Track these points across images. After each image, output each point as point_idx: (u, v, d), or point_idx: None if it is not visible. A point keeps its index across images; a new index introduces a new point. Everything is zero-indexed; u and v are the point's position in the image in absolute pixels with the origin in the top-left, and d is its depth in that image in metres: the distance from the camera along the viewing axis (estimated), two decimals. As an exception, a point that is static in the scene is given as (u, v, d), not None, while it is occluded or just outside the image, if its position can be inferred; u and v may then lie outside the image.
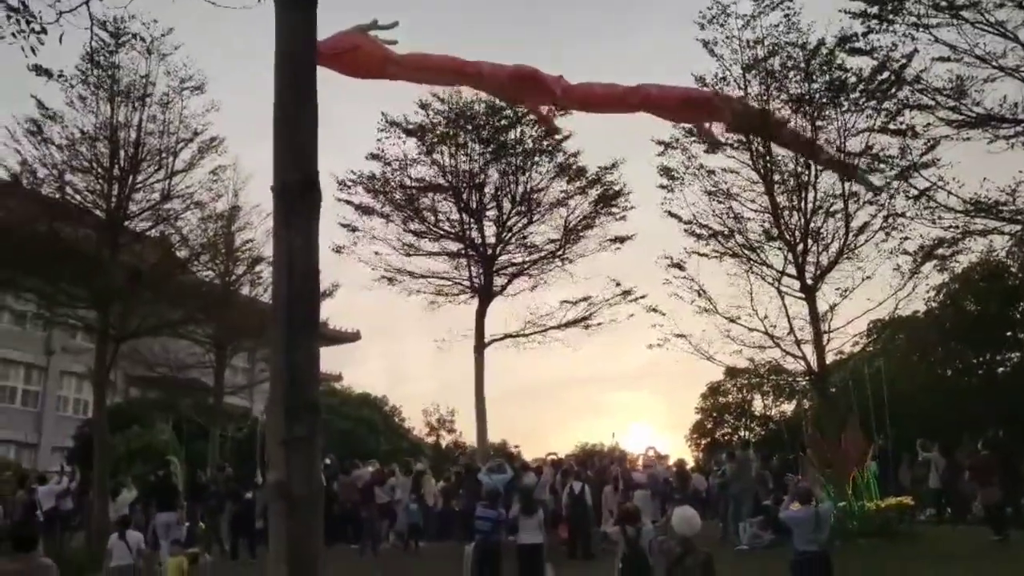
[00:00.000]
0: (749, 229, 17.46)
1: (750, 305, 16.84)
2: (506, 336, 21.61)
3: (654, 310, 18.00)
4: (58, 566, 13.33)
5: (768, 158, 17.21)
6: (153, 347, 24.69)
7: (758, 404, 41.38)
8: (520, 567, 11.25)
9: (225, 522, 17.65)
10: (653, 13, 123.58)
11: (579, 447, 43.21)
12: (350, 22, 16.35)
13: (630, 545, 8.58)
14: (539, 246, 21.91)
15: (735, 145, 17.55)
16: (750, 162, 17.28)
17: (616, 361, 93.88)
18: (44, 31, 6.25)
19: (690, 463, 24.60)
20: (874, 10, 15.14)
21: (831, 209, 16.99)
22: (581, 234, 21.72)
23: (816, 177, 16.98)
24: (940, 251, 16.55)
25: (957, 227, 15.92)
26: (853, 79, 16.78)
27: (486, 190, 21.33)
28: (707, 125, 17.68)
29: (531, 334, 21.83)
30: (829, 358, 17.08)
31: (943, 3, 14.34)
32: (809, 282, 16.65)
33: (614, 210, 21.57)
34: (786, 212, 17.13)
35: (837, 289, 16.78)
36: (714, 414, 42.08)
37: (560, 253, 21.87)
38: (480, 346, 20.81)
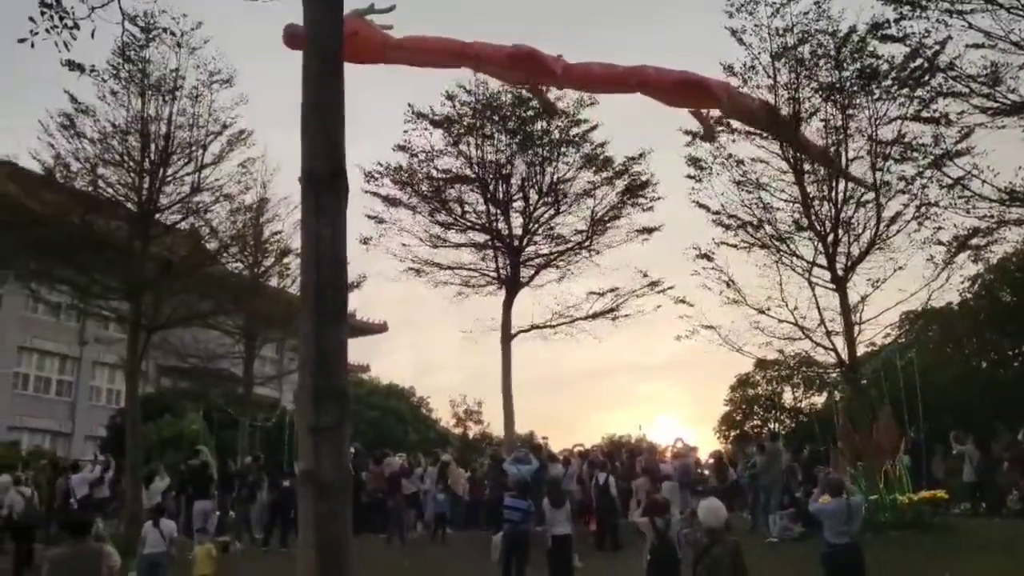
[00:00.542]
0: (778, 219, 17.28)
1: (780, 296, 16.69)
2: (533, 327, 21.56)
3: (682, 301, 17.90)
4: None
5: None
6: (184, 338, 25.00)
7: (788, 396, 41.09)
8: (549, 558, 11.26)
9: (256, 511, 17.83)
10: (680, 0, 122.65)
11: (606, 438, 43.16)
12: (347, 6, 16.27)
13: (659, 536, 8.56)
14: (566, 237, 21.82)
15: (764, 135, 17.38)
16: (780, 151, 17.11)
17: (643, 352, 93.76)
18: (77, 26, 6.32)
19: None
20: (907, -4, 14.91)
21: (862, 199, 16.77)
22: (608, 225, 21.60)
23: (847, 166, 16.76)
24: (975, 241, 16.30)
25: (992, 216, 15.67)
26: (885, 67, 16.54)
27: (513, 181, 21.27)
28: (704, 113, 17.50)
29: (558, 325, 21.76)
30: (860, 350, 16.89)
31: (977, -12, 14.09)
32: (840, 273, 16.45)
33: (641, 201, 21.42)
34: (816, 202, 16.94)
35: (869, 280, 16.58)
36: (743, 406, 41.81)
37: (587, 244, 21.76)
38: (507, 337, 20.79)
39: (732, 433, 40.70)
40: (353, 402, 5.03)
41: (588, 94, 20.12)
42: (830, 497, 9.22)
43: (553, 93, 19.48)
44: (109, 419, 31.86)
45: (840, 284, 16.41)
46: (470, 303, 24.63)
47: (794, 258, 16.98)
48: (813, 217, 16.76)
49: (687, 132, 17.85)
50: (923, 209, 16.37)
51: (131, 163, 18.72)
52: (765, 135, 17.13)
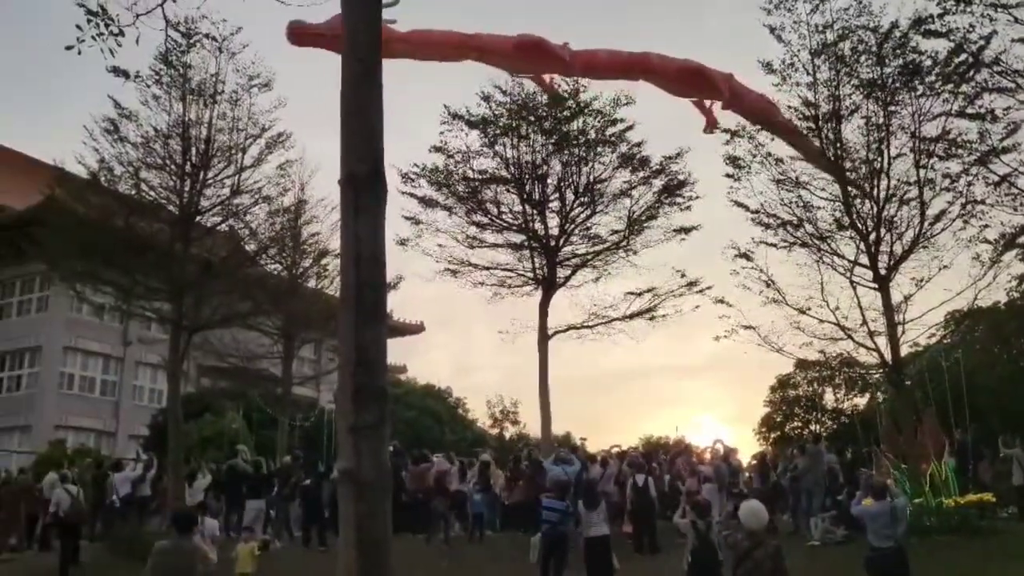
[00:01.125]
0: (819, 218, 17.08)
1: (820, 296, 16.49)
2: (570, 328, 21.54)
3: (721, 301, 17.74)
4: (135, 550, 13.77)
5: (839, 145, 16.80)
6: (224, 338, 25.30)
7: (829, 397, 40.45)
8: (587, 559, 11.22)
9: (296, 509, 17.98)
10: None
11: (643, 439, 42.90)
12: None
13: (700, 538, 8.49)
14: (602, 237, 21.75)
15: (804, 133, 17.17)
16: (820, 149, 16.88)
17: (681, 353, 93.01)
18: (122, 33, 6.40)
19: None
20: (950, -10, 14.65)
21: (905, 197, 16.51)
22: (645, 225, 21.49)
23: (889, 164, 16.52)
24: (1022, 239, 15.95)
25: (1040, 214, 15.33)
26: (928, 62, 16.28)
27: (549, 181, 21.25)
28: (707, 104, 17.32)
29: (595, 326, 21.71)
30: (904, 350, 16.63)
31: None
32: (882, 272, 16.20)
33: (679, 200, 21.29)
34: (858, 200, 16.70)
35: (912, 279, 16.31)
36: (784, 407, 41.25)
37: (624, 244, 21.67)
38: (544, 338, 20.76)
39: (772, 435, 40.24)
40: (391, 402, 5.10)
41: (626, 94, 20.11)
42: (873, 500, 9.08)
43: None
44: (151, 418, 32.35)
45: (883, 283, 16.16)
46: (506, 303, 24.55)
47: (835, 257, 16.77)
48: (854, 215, 16.53)
49: (726, 130, 17.70)
50: (969, 207, 16.10)
51: (173, 166, 19.03)
52: (815, 130, 16.86)
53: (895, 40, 16.40)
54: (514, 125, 20.80)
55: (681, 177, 21.07)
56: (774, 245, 17.25)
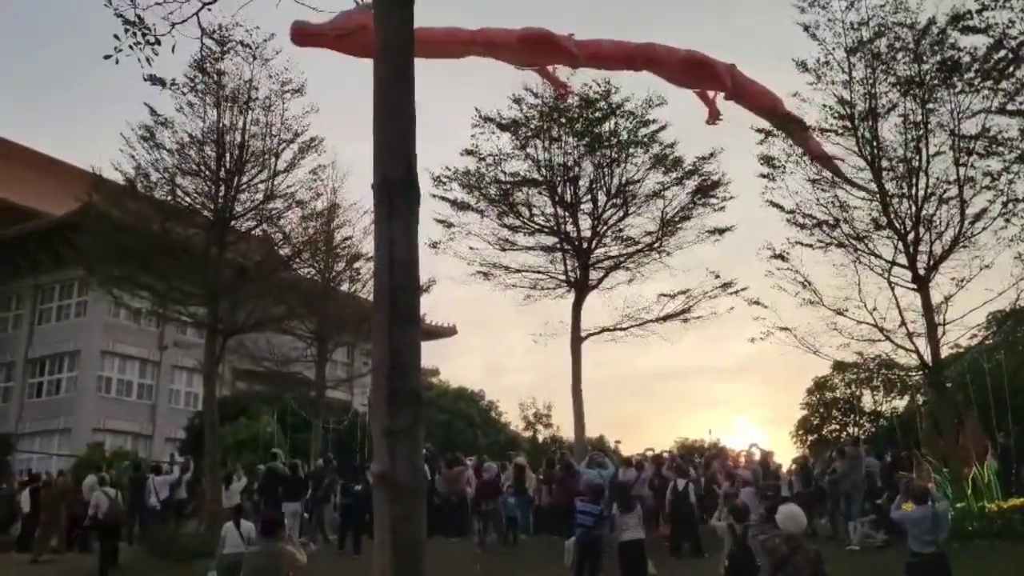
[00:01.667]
0: (856, 218, 16.86)
1: (858, 297, 16.27)
2: (603, 330, 21.41)
3: (756, 303, 17.56)
4: (171, 552, 13.92)
5: (875, 144, 16.56)
6: (258, 342, 25.53)
7: (868, 400, 39.94)
8: (622, 563, 11.14)
9: (330, 512, 18.08)
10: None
11: (678, 442, 42.66)
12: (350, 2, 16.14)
13: (737, 543, 8.38)
14: (635, 239, 21.59)
15: (839, 131, 16.97)
16: (856, 148, 16.68)
17: (716, 355, 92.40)
18: (158, 42, 6.47)
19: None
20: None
21: (944, 195, 16.24)
22: (678, 226, 21.31)
23: (928, 162, 16.25)
24: (1066, 237, 15.61)
25: (1085, 212, 14.99)
26: (967, 59, 16.01)
27: (581, 183, 21.16)
28: (711, 95, 17.13)
29: (628, 328, 21.56)
30: (944, 351, 16.34)
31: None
32: (921, 272, 15.95)
33: (712, 201, 21.10)
34: (895, 199, 16.46)
35: (952, 279, 16.03)
36: (821, 410, 40.79)
37: (657, 246, 21.50)
38: (576, 340, 20.67)
39: (810, 437, 39.78)
40: (424, 405, 5.14)
41: (659, 95, 20.00)
42: (914, 504, 8.91)
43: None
44: (187, 421, 32.76)
45: (922, 284, 15.90)
46: (539, 306, 24.55)
47: (872, 257, 16.55)
48: (892, 215, 16.29)
49: (759, 130, 17.54)
50: (1010, 205, 15.82)
51: (207, 172, 19.22)
52: (851, 128, 16.64)
53: (932, 36, 16.15)
54: (545, 127, 20.75)
55: (715, 177, 20.91)
56: (810, 246, 17.07)
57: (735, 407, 77.26)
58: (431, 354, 49.77)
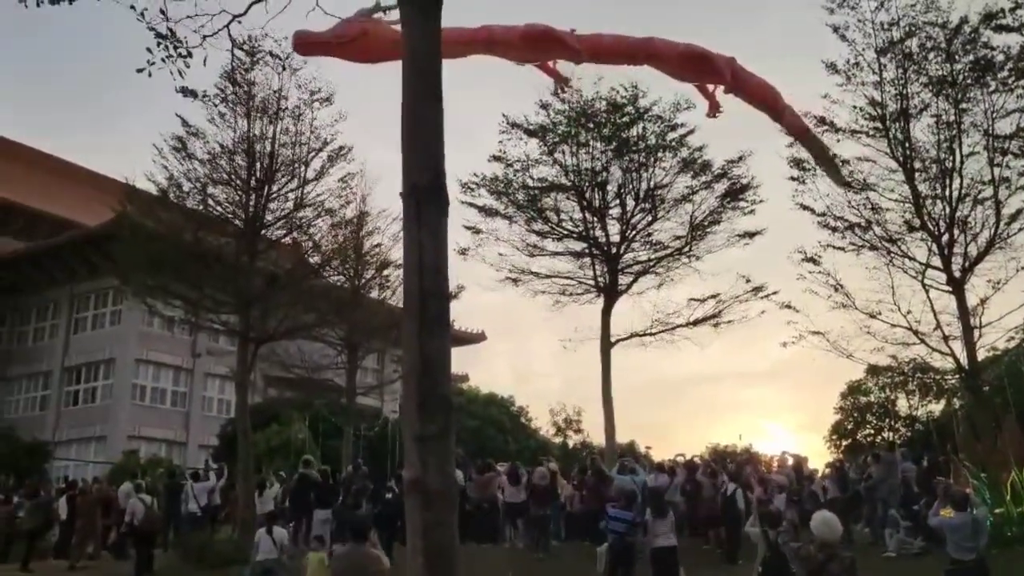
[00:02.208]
0: (888, 220, 16.73)
1: (892, 300, 16.13)
2: (633, 335, 21.33)
3: (788, 306, 17.44)
4: (205, 558, 14.05)
5: (908, 145, 16.37)
6: (289, 349, 25.71)
7: (903, 404, 39.36)
8: (654, 570, 11.07)
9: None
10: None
11: (710, 448, 42.30)
12: (351, 7, 16.10)
13: (771, 549, 8.29)
14: (664, 243, 21.51)
15: (871, 133, 16.80)
16: (888, 150, 16.52)
17: (748, 360, 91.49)
18: (190, 54, 6.56)
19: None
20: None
21: (979, 196, 16.03)
22: (708, 230, 21.20)
23: (962, 163, 16.03)
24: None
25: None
26: (1000, 57, 15.81)
27: (609, 188, 21.12)
28: (711, 88, 16.97)
29: (658, 333, 21.46)
30: (981, 354, 16.16)
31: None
32: (957, 274, 15.75)
33: (742, 204, 20.97)
34: (928, 201, 16.27)
35: (988, 281, 15.85)
36: (855, 414, 40.27)
37: (686, 250, 21.40)
38: (606, 346, 20.60)
39: (844, 442, 39.29)
40: (455, 411, 5.23)
41: (686, 99, 19.90)
42: (954, 510, 8.75)
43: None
44: (220, 428, 33.03)
45: (957, 286, 15.69)
46: (568, 311, 24.51)
47: (906, 260, 16.39)
48: (926, 217, 16.12)
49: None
50: (1048, 206, 15.52)
51: (238, 181, 19.41)
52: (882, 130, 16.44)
53: (965, 35, 15.98)
54: (573, 132, 20.73)
55: (744, 181, 20.78)
56: (842, 248, 16.95)
57: (767, 412, 76.51)
58: (460, 360, 49.87)
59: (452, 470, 4.90)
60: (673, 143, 20.63)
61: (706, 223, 21.09)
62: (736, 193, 20.85)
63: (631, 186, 20.96)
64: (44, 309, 40.26)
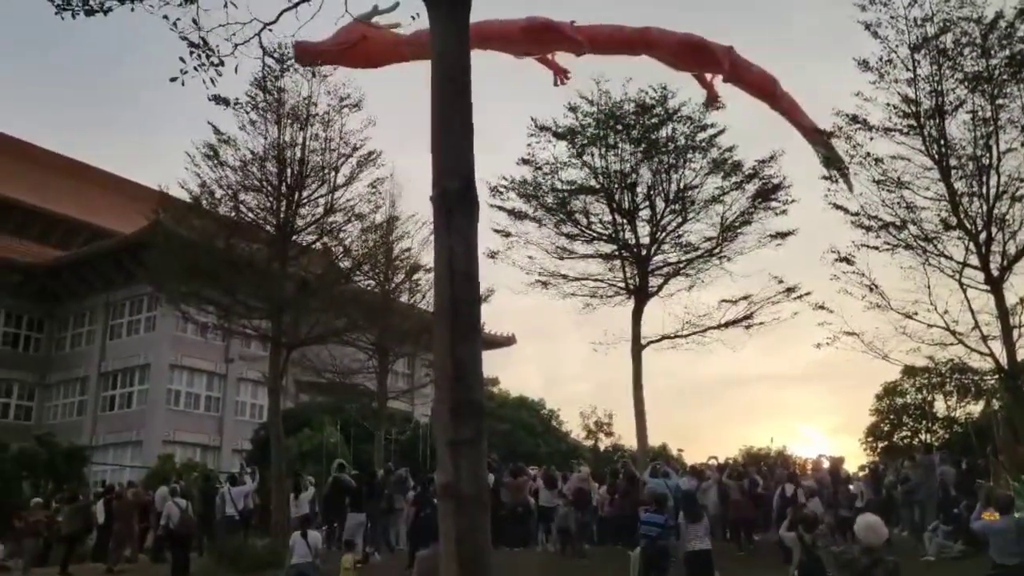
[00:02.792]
0: (924, 219, 16.42)
1: (928, 299, 15.82)
2: (664, 338, 21.16)
3: (821, 307, 17.20)
4: (239, 561, 14.16)
5: (943, 142, 16.11)
6: (321, 354, 25.89)
7: (940, 405, 38.74)
8: (689, 573, 10.97)
9: (393, 522, 18.12)
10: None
11: (743, 451, 41.95)
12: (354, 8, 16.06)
13: (807, 552, 8.18)
14: (695, 245, 21.28)
15: (905, 131, 16.56)
16: (923, 147, 16.26)
17: (781, 362, 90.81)
18: (222, 63, 6.62)
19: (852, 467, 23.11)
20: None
21: (1017, 193, 15.72)
22: (739, 231, 20.94)
23: (999, 160, 15.75)
24: None
25: None
26: (1038, 51, 15.48)
27: (638, 190, 20.97)
28: (709, 77, 16.75)
29: (689, 335, 21.26)
30: (1021, 354, 15.78)
31: None
32: (995, 273, 15.45)
33: (774, 204, 20.69)
34: (965, 199, 15.98)
35: (1028, 279, 15.50)
36: (891, 416, 39.70)
37: (717, 251, 21.17)
38: (637, 348, 20.45)
39: (880, 444, 38.75)
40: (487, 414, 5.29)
41: (713, 107, 19.72)
42: (998, 514, 8.57)
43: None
44: (253, 433, 33.35)
45: (996, 285, 15.40)
46: (598, 314, 24.44)
47: (942, 259, 16.09)
48: (962, 215, 15.83)
49: (822, 131, 17.20)
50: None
51: (269, 188, 19.59)
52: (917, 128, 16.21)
53: (1001, 31, 15.71)
54: (602, 135, 20.62)
55: (775, 181, 20.49)
56: (876, 248, 16.68)
57: (801, 415, 75.85)
58: (490, 363, 49.94)
59: (485, 475, 4.89)
60: (703, 143, 20.44)
61: (737, 224, 20.85)
62: (767, 193, 20.59)
63: (661, 187, 20.79)
64: (81, 316, 40.93)
